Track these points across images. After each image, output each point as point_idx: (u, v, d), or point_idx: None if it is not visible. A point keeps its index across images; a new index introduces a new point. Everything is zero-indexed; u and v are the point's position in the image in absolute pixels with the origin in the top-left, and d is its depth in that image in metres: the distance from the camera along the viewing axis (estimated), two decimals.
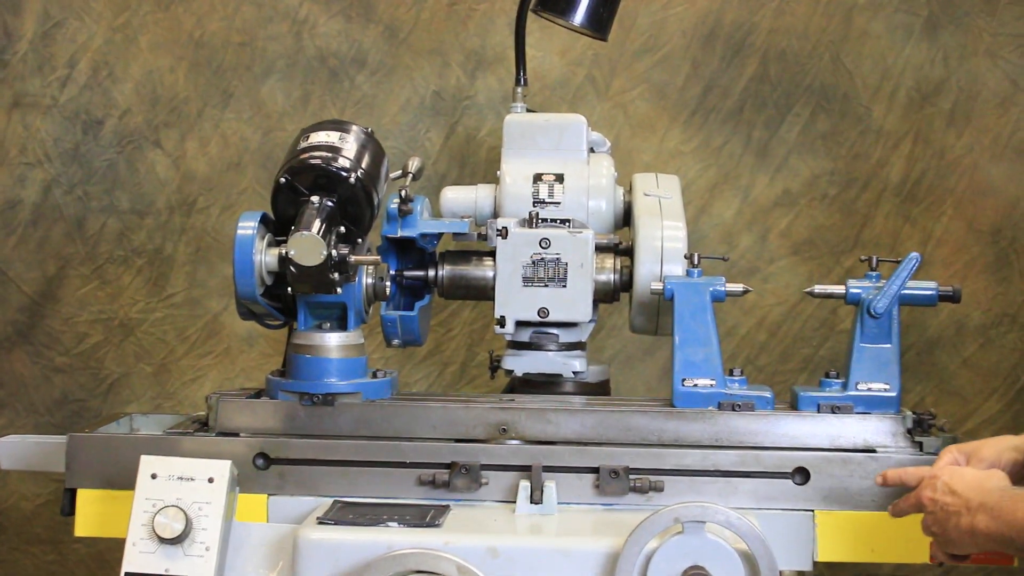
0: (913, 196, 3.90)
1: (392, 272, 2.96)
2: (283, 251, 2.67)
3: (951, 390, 3.92)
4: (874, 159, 3.93)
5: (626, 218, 3.11)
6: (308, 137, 2.84)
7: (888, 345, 2.77)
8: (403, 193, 2.91)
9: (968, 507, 2.21)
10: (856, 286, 2.81)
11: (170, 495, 2.56)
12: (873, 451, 2.70)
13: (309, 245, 2.65)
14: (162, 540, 2.53)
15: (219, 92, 4.01)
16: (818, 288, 2.88)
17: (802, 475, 2.64)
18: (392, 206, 2.93)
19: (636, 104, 3.95)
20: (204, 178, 4.03)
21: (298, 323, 2.82)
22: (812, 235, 3.95)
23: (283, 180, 2.75)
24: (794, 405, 2.80)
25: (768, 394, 2.77)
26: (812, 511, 2.63)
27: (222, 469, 2.59)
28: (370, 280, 2.84)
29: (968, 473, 2.29)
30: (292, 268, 2.66)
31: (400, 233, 2.94)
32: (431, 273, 3.00)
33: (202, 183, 4.03)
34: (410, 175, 2.98)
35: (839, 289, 2.84)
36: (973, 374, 3.91)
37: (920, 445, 2.71)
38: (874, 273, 2.84)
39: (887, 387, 2.75)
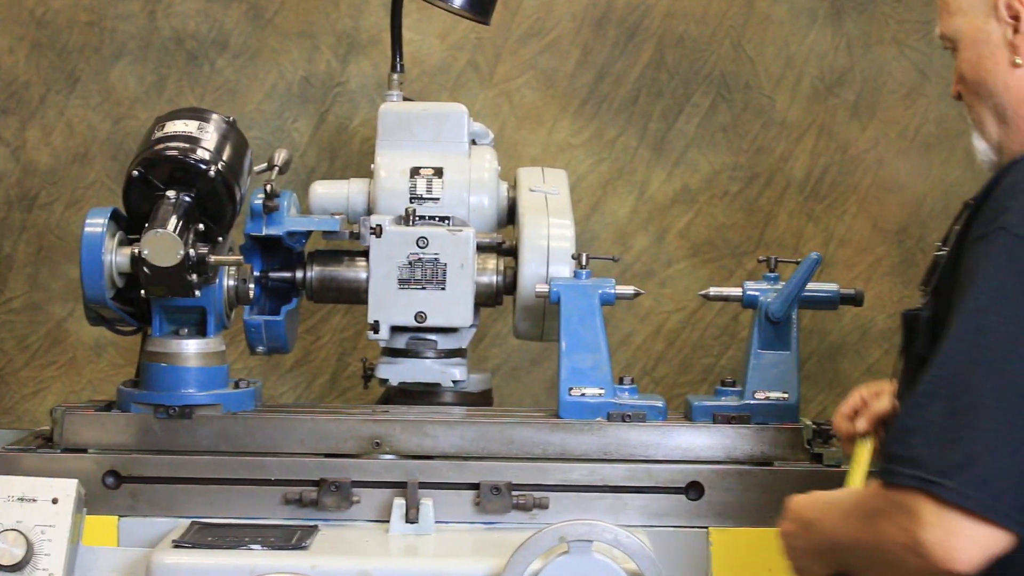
0: (816, 193, 3.98)
1: (256, 273, 2.99)
2: (136, 250, 2.69)
3: None
4: (777, 153, 4.00)
5: (510, 216, 3.16)
6: (163, 126, 2.85)
7: (787, 351, 2.87)
8: (268, 188, 2.94)
9: (800, 528, 2.17)
10: (753, 288, 2.91)
11: (9, 518, 2.56)
12: (771, 464, 2.79)
13: (164, 244, 2.66)
14: (1, 567, 2.53)
15: (64, 76, 3.99)
16: (713, 291, 2.97)
17: (696, 490, 2.72)
18: (256, 202, 2.96)
19: (522, 92, 4.00)
20: (47, 170, 4.01)
21: (152, 329, 2.83)
22: (712, 235, 4.01)
23: (136, 173, 2.76)
24: (688, 416, 2.88)
25: (660, 403, 2.85)
26: (706, 528, 2.71)
27: (67, 488, 2.60)
28: (232, 282, 2.87)
29: (816, 493, 2.21)
30: (146, 269, 2.68)
31: (265, 231, 2.97)
32: (299, 274, 3.03)
33: (45, 176, 4.01)
34: (276, 168, 3.00)
35: (736, 291, 2.93)
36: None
37: (820, 457, 2.80)
38: (773, 275, 2.93)
39: (786, 396, 2.85)
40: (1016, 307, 1.87)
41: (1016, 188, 1.95)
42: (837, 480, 2.67)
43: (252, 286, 2.88)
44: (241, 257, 2.83)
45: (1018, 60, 2.08)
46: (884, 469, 1.90)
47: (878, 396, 2.45)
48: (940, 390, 1.87)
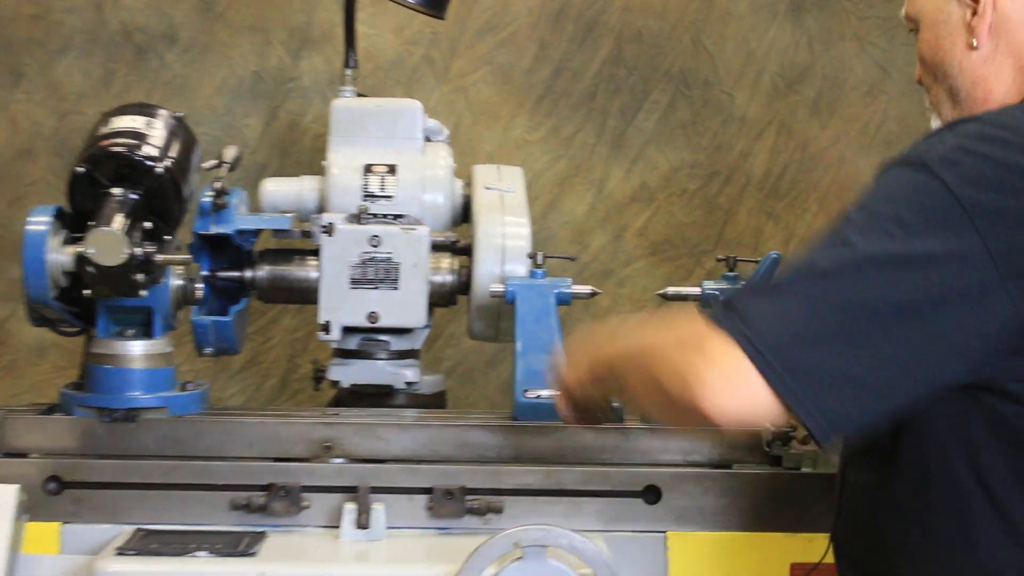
0: (776, 191, 4.01)
1: (204, 273, 2.97)
2: (80, 249, 2.67)
3: None
4: (737, 150, 4.03)
5: (465, 214, 3.16)
6: (110, 122, 2.83)
7: None
8: (217, 185, 2.93)
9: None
10: (712, 288, 2.92)
11: None
12: (729, 467, 2.79)
13: (110, 243, 2.64)
14: None
15: (7, 70, 3.96)
16: (672, 290, 2.98)
17: (653, 494, 2.72)
18: (205, 199, 2.94)
19: (478, 88, 4.01)
20: None
21: (97, 330, 2.82)
22: (671, 233, 4.03)
23: (81, 170, 2.74)
24: (645, 418, 2.88)
25: (617, 406, 2.84)
26: (664, 532, 2.70)
27: (7, 494, 2.57)
28: (179, 282, 2.85)
29: None
30: (90, 268, 2.66)
31: (214, 229, 2.95)
32: (248, 274, 3.02)
33: None
34: (226, 165, 2.99)
35: (694, 291, 2.94)
36: None
37: (779, 460, 2.80)
38: (732, 274, 2.94)
39: None
40: (872, 221, 1.89)
41: (925, 136, 1.99)
42: (797, 483, 2.70)
43: (200, 286, 2.87)
44: (189, 256, 2.81)
45: (974, 43, 2.12)
46: (718, 312, 1.90)
47: None
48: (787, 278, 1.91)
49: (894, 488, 2.08)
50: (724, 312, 1.90)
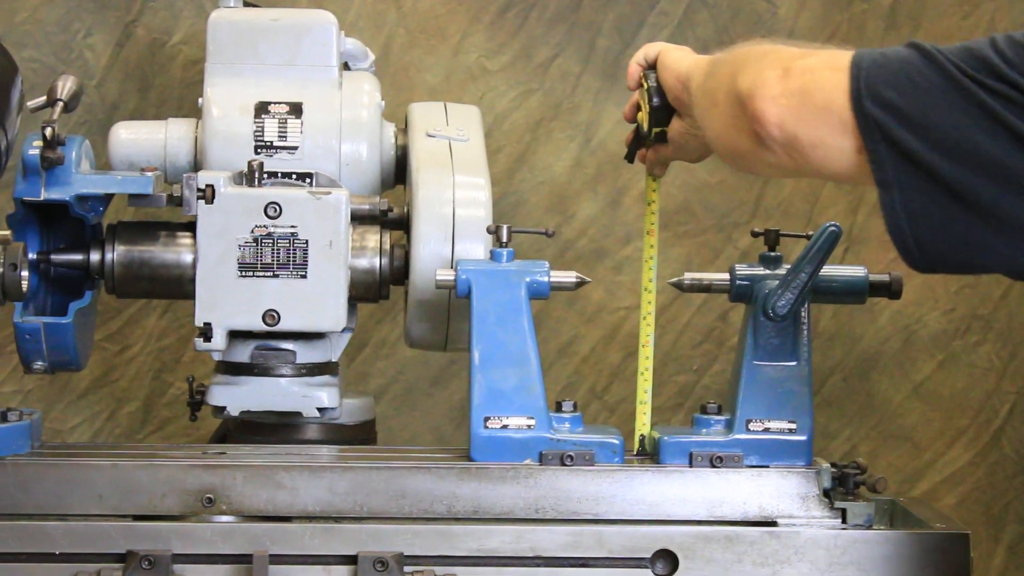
0: None
1: (32, 256, 2.97)
2: None
3: (896, 432, 4.07)
4: None
5: (400, 172, 3.17)
6: None
7: (794, 363, 2.89)
8: (48, 132, 2.92)
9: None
10: (746, 274, 2.93)
11: None
12: (774, 523, 2.80)
13: None
14: None
15: None
16: (691, 277, 2.98)
17: (667, 562, 2.73)
18: (31, 153, 2.93)
19: None
20: None
21: None
22: (690, 199, 4.04)
23: None
24: (655, 456, 2.89)
25: (616, 439, 2.86)
26: None
27: None
28: None
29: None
30: None
31: (44, 195, 2.95)
32: (95, 257, 3.02)
33: None
34: (59, 103, 2.98)
35: (722, 278, 2.95)
36: (928, 408, 4.07)
37: (843, 514, 2.81)
38: (774, 254, 2.95)
39: (793, 426, 2.87)
40: None
41: None
42: (868, 547, 2.71)
43: (25, 274, 2.86)
44: (9, 232, 2.81)
45: None
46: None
47: None
48: None
49: None
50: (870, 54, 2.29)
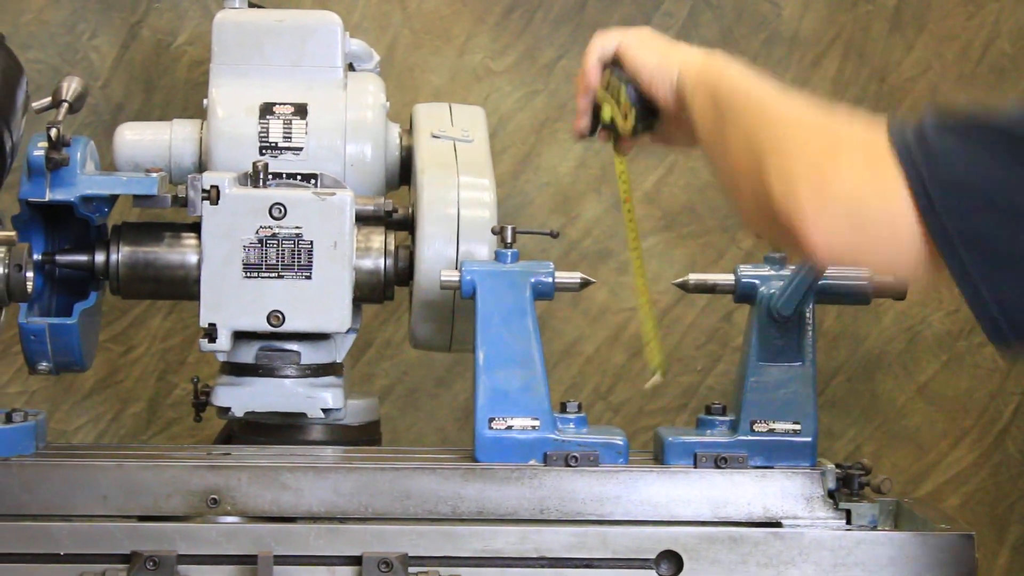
0: None
1: (37, 257, 2.98)
2: None
3: (900, 432, 4.07)
4: (786, 81, 4.00)
5: (404, 173, 3.18)
6: None
7: (799, 364, 2.90)
8: (53, 133, 2.92)
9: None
10: (750, 274, 2.93)
11: None
12: (778, 524, 2.80)
13: None
14: None
15: None
16: (695, 278, 2.98)
17: (671, 563, 2.73)
18: (36, 154, 2.94)
19: None
20: None
21: None
22: (693, 199, 4.03)
23: None
24: (659, 456, 2.90)
25: (620, 440, 2.86)
26: None
27: None
28: (1, 269, 2.85)
29: None
30: None
31: (49, 196, 2.95)
32: (99, 258, 3.02)
33: None
34: (65, 104, 2.98)
35: (726, 278, 2.94)
36: (933, 408, 4.07)
37: (847, 515, 2.82)
38: (779, 255, 2.95)
39: (797, 427, 2.87)
40: None
41: None
42: (872, 548, 2.72)
43: (30, 275, 2.86)
44: (14, 233, 2.81)
45: None
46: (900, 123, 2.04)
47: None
48: None
49: None
50: (914, 136, 2.00)
